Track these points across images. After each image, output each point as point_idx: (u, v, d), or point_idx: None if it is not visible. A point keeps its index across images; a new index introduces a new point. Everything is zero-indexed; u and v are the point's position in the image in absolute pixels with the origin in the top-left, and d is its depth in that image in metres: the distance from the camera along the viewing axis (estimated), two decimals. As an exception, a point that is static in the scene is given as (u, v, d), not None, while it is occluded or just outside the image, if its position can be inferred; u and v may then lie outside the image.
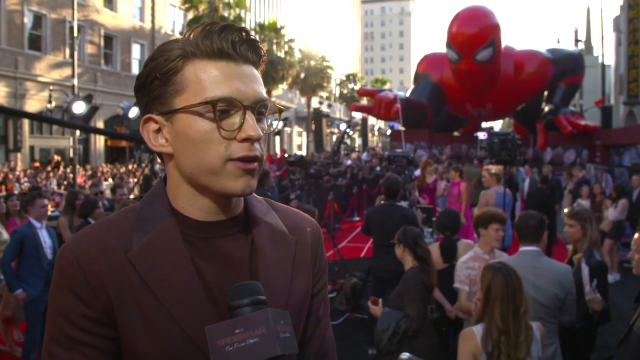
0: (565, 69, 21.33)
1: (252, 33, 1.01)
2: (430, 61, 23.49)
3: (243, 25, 28.05)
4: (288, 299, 1.06)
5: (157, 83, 0.98)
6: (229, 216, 1.06)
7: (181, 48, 0.98)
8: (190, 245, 1.01)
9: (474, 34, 19.13)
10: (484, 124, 27.82)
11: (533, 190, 10.44)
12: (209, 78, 0.96)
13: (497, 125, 37.93)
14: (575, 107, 28.90)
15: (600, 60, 34.00)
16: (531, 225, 3.47)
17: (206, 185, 0.99)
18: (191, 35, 0.99)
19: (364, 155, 26.67)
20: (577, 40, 38.39)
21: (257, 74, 1.02)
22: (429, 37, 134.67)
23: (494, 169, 7.55)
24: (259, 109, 1.00)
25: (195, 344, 0.94)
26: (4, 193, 12.78)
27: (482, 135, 23.21)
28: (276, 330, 0.82)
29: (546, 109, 21.53)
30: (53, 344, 0.95)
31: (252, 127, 0.96)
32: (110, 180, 20.02)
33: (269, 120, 1.12)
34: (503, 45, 20.55)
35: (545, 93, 22.27)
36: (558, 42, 41.35)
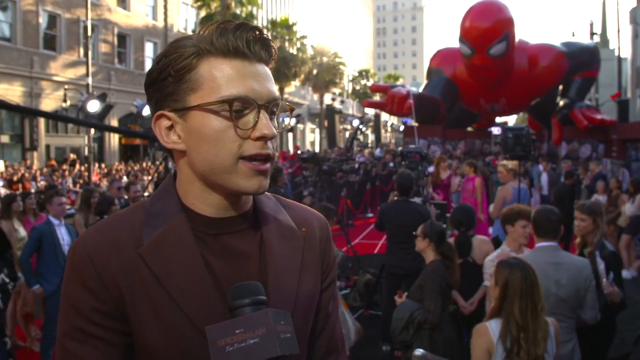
0: (581, 62, 21.10)
1: (265, 31, 1.02)
2: (443, 56, 23.36)
3: (255, 22, 28.11)
4: (297, 294, 1.06)
5: (170, 80, 0.99)
6: (238, 212, 1.06)
7: (195, 45, 0.98)
8: (200, 241, 1.01)
9: (487, 28, 18.97)
10: (498, 119, 27.63)
11: (559, 187, 10.33)
12: (224, 76, 0.97)
13: (511, 120, 37.66)
14: (591, 101, 28.58)
15: (616, 54, 33.59)
16: (552, 220, 3.43)
17: (219, 183, 1.00)
18: (205, 33, 0.99)
19: (377, 152, 26.63)
20: (592, 34, 37.94)
21: (269, 72, 1.03)
22: (441, 32, 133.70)
23: (510, 164, 7.45)
24: (272, 107, 1.00)
25: (205, 338, 0.93)
26: (20, 191, 12.93)
27: (496, 131, 23.04)
28: (276, 331, 0.82)
29: (561, 103, 21.35)
30: (66, 338, 0.97)
31: (266, 126, 0.97)
32: (125, 178, 20.20)
33: (281, 118, 1.12)
34: (517, 39, 20.38)
35: (560, 87, 22.06)
36: (573, 35, 40.87)
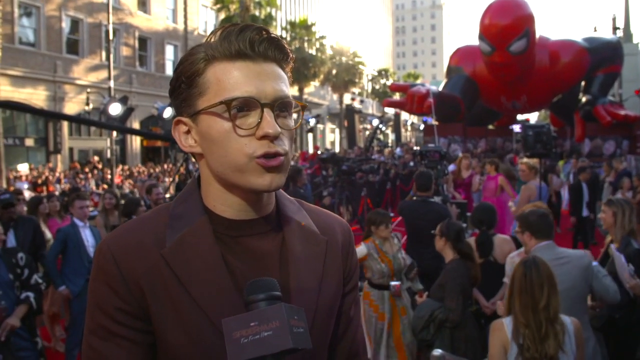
0: (603, 57, 20.77)
1: (272, 31, 1.03)
2: (462, 54, 23.17)
3: (274, 23, 28.07)
4: (319, 298, 1.07)
5: (183, 87, 1.03)
6: (260, 215, 1.08)
7: (204, 51, 1.01)
8: (221, 243, 1.04)
9: (507, 25, 18.77)
10: (520, 117, 27.33)
11: (574, 183, 10.24)
12: (227, 79, 0.99)
13: (533, 117, 37.21)
14: (614, 96, 28.15)
15: (639, 48, 33.01)
16: (547, 220, 3.44)
17: (234, 183, 1.02)
18: (212, 38, 1.02)
19: (398, 151, 26.52)
20: (615, 28, 37.36)
21: (278, 71, 1.03)
22: (461, 30, 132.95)
23: (532, 162, 7.33)
24: (280, 106, 1.01)
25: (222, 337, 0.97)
26: (45, 193, 13.16)
27: (517, 128, 22.79)
28: (289, 325, 0.85)
29: (583, 99, 21.03)
30: (92, 335, 1.01)
31: (269, 124, 0.97)
32: (147, 180, 20.41)
33: (307, 118, 1.13)
34: (537, 35, 20.14)
35: (583, 83, 21.75)
36: (595, 30, 40.28)
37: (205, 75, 1.00)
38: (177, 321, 0.98)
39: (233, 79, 0.99)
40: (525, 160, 7.68)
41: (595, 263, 3.44)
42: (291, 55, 1.06)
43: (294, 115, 1.08)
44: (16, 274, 3.95)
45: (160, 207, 1.11)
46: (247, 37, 0.99)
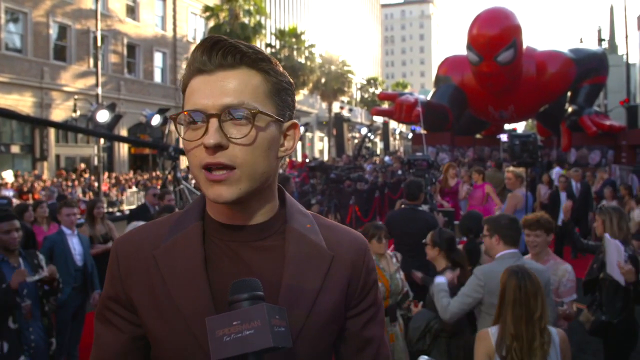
0: (589, 68, 21.04)
1: (235, 40, 1.03)
2: (451, 64, 23.36)
3: (263, 32, 28.07)
4: (311, 312, 1.06)
5: (182, 97, 1.09)
6: (251, 222, 1.09)
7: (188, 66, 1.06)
8: (214, 247, 1.09)
9: (495, 35, 18.97)
10: (507, 126, 27.55)
11: (553, 192, 10.29)
12: (188, 94, 1.04)
13: (520, 127, 37.50)
14: (599, 107, 28.47)
15: (624, 59, 33.46)
16: (516, 228, 3.42)
17: None
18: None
19: (387, 159, 26.61)
20: (600, 40, 37.87)
21: (237, 78, 1.01)
22: (449, 40, 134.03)
23: (518, 170, 7.36)
24: (234, 113, 0.99)
25: (195, 338, 1.02)
26: (31, 201, 13.04)
27: (504, 138, 22.98)
28: (271, 324, 0.88)
29: (570, 109, 21.27)
30: (96, 318, 1.14)
31: (209, 135, 0.97)
32: (134, 187, 20.31)
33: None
34: (525, 46, 20.35)
35: (569, 94, 21.99)
36: (581, 41, 40.82)
37: (186, 91, 1.06)
38: (159, 317, 1.06)
39: (191, 93, 1.03)
40: (511, 168, 7.73)
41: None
42: (259, 56, 1.03)
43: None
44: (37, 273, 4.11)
45: (174, 213, 1.19)
46: (204, 51, 1.01)
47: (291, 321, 0.99)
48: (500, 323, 2.65)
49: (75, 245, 5.31)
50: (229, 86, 1.00)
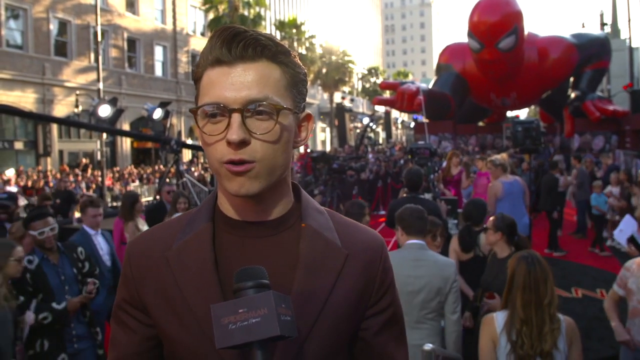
0: (591, 53, 20.92)
1: (257, 30, 1.01)
2: (452, 52, 23.28)
3: (263, 23, 27.83)
4: (322, 310, 1.05)
5: (195, 86, 1.07)
6: (262, 218, 1.08)
7: (203, 57, 1.03)
8: (226, 245, 1.09)
9: (496, 22, 18.88)
10: (509, 113, 27.47)
11: (546, 177, 10.28)
12: (206, 86, 1.01)
13: (522, 113, 37.40)
14: (602, 92, 28.31)
15: (627, 44, 33.25)
16: (419, 218, 3.43)
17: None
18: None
19: (393, 151, 26.55)
20: (603, 24, 37.61)
21: (258, 72, 1.00)
22: (450, 28, 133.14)
23: (499, 158, 7.20)
24: (256, 108, 0.98)
25: (208, 338, 1.00)
26: (35, 197, 13.08)
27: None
28: (277, 312, 0.86)
29: (572, 95, 21.17)
30: (112, 320, 1.16)
31: (233, 131, 0.96)
32: (137, 181, 20.34)
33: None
34: (526, 32, 20.25)
35: (571, 79, 21.90)
36: (583, 26, 40.53)
37: (201, 81, 1.03)
38: (172, 318, 1.06)
39: (210, 85, 1.00)
40: (492, 157, 7.56)
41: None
42: (279, 48, 1.02)
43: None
44: (78, 268, 4.02)
45: (185, 213, 1.19)
46: (224, 42, 0.99)
47: (302, 319, 0.99)
48: (509, 308, 2.66)
49: (101, 245, 4.99)
50: (251, 80, 0.98)
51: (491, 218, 4.03)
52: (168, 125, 11.71)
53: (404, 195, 5.94)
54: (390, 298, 1.17)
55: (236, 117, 0.97)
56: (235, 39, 0.98)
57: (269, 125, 0.99)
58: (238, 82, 0.98)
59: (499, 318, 2.69)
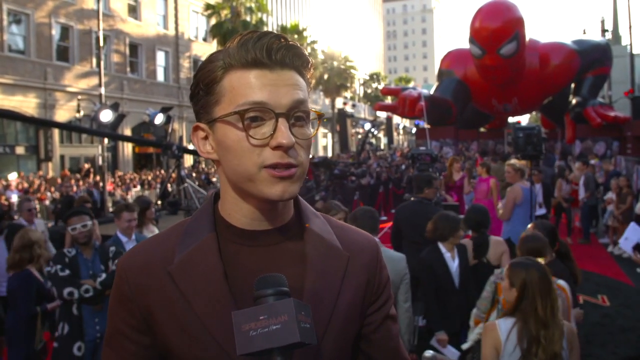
0: (592, 60, 20.94)
1: (290, 39, 1.02)
2: (453, 57, 23.32)
3: (265, 29, 27.99)
4: (333, 312, 1.06)
5: (201, 93, 1.03)
6: (274, 225, 1.08)
7: (222, 59, 1.01)
8: (233, 255, 1.06)
9: (497, 28, 18.92)
10: (511, 119, 27.49)
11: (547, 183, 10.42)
12: (242, 87, 0.99)
13: (524, 119, 37.34)
14: (604, 98, 28.29)
15: (628, 50, 33.27)
16: (372, 217, 3.73)
17: (247, 191, 1.02)
18: (230, 46, 1.01)
19: (394, 155, 26.58)
20: (604, 30, 37.64)
21: (296, 79, 1.02)
22: (452, 34, 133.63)
23: (517, 163, 7.32)
24: (296, 114, 1.00)
25: (226, 353, 0.99)
26: (37, 201, 13.08)
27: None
28: (297, 319, 0.87)
29: (574, 101, 21.19)
30: (105, 343, 1.10)
31: (284, 135, 0.96)
32: (138, 187, 20.35)
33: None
34: (527, 38, 20.28)
35: (573, 85, 21.91)
36: (584, 32, 40.58)
37: (222, 83, 1.00)
38: (182, 336, 1.01)
39: (248, 87, 0.98)
40: (512, 161, 7.66)
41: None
42: (311, 62, 1.06)
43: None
44: (107, 266, 4.27)
45: (177, 223, 1.14)
46: (264, 45, 0.98)
47: (316, 323, 0.98)
48: (521, 316, 2.65)
49: None
50: (293, 85, 1.00)
51: (529, 225, 4.10)
52: (170, 130, 11.73)
53: (412, 199, 5.90)
54: (387, 295, 1.20)
55: (283, 122, 0.97)
56: (274, 44, 0.99)
57: (307, 131, 1.03)
58: (282, 86, 0.99)
59: (501, 325, 2.68)
